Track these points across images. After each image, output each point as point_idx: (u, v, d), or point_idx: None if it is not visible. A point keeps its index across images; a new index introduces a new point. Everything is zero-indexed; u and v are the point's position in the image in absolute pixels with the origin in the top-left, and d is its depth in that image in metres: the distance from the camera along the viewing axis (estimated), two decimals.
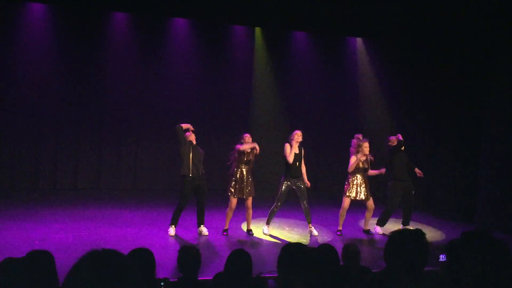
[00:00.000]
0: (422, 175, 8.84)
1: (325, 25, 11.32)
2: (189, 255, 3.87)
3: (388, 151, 8.85)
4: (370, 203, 8.49)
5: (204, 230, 8.05)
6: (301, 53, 12.40)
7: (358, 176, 8.39)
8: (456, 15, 9.69)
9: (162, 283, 3.74)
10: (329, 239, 8.06)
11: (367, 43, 12.49)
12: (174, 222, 7.90)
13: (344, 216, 8.50)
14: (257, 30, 12.13)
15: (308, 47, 12.45)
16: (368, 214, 8.60)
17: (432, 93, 11.35)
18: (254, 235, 8.13)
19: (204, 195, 8.04)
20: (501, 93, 9.45)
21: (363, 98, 12.69)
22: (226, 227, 8.13)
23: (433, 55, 11.20)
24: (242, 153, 7.95)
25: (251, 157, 8.00)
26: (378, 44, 12.36)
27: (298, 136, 8.07)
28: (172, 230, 7.83)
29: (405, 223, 8.78)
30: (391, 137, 8.97)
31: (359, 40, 12.56)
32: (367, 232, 8.65)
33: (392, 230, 2.93)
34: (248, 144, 7.94)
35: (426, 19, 10.23)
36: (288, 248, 2.73)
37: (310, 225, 8.34)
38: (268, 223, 8.30)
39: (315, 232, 8.28)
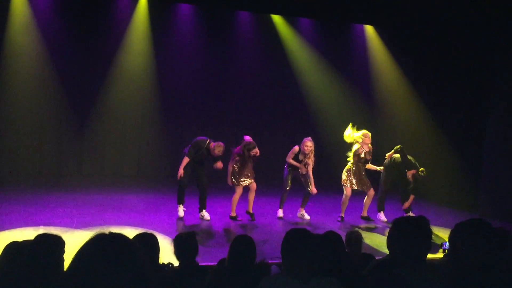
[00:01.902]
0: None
1: (331, 12, 11.24)
2: (183, 242, 3.86)
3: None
4: (371, 191, 8.58)
5: (205, 215, 8.14)
6: (308, 40, 12.28)
7: (357, 165, 8.51)
8: (460, 8, 9.64)
9: (166, 268, 3.77)
10: (332, 226, 8.08)
11: (377, 30, 12.38)
12: (180, 201, 8.05)
13: (347, 204, 8.58)
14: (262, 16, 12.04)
15: (315, 34, 12.34)
16: (368, 201, 8.67)
17: (437, 81, 11.29)
18: (257, 220, 8.19)
19: (204, 178, 8.09)
20: (506, 83, 9.39)
21: (371, 87, 12.64)
22: (233, 214, 8.25)
23: (439, 45, 11.12)
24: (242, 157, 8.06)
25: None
26: (384, 32, 12.26)
27: (306, 146, 8.27)
28: (180, 210, 8.02)
29: (406, 210, 8.80)
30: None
31: (368, 28, 12.44)
32: (367, 218, 8.70)
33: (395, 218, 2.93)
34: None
35: (433, 11, 10.15)
36: (292, 233, 2.73)
37: (303, 209, 8.62)
38: (281, 207, 8.60)
39: (307, 216, 8.55)
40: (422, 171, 8.57)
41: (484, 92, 9.90)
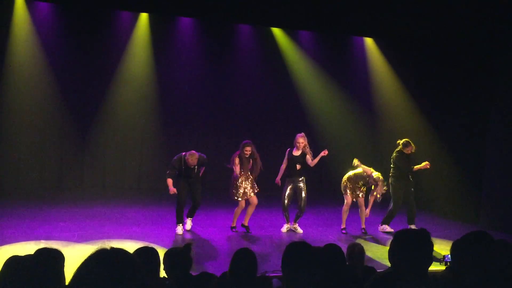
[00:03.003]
0: (428, 166, 8.75)
1: (331, 24, 11.30)
2: (173, 257, 3.83)
3: (399, 153, 8.80)
4: (361, 201, 8.57)
5: (188, 222, 8.23)
6: (308, 52, 12.34)
7: (357, 182, 8.56)
8: (460, 15, 9.67)
9: (166, 282, 3.75)
10: (333, 239, 8.05)
11: (377, 43, 12.45)
12: (179, 220, 8.02)
13: (347, 213, 8.57)
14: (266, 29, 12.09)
15: (315, 47, 12.40)
16: (361, 212, 8.65)
17: (437, 92, 11.32)
18: (258, 233, 8.17)
19: (198, 195, 8.14)
20: (506, 92, 9.41)
21: (371, 99, 12.68)
22: (234, 225, 8.29)
23: (438, 57, 11.16)
24: (244, 161, 8.13)
25: (251, 162, 8.23)
26: (383, 43, 12.33)
27: (298, 143, 8.35)
28: (179, 229, 7.98)
29: (410, 222, 8.78)
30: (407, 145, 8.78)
31: (367, 40, 12.51)
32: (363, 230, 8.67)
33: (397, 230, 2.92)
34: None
35: (431, 19, 10.20)
36: (293, 247, 2.73)
37: (296, 223, 8.55)
38: (287, 222, 8.54)
39: (299, 230, 8.48)
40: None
41: (485, 102, 9.90)
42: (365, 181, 8.52)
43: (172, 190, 7.96)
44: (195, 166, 7.94)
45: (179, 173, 8.01)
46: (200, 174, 8.26)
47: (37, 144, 10.91)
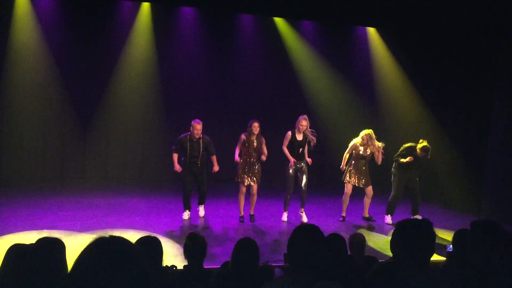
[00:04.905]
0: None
1: (333, 14, 11.25)
2: (196, 242, 3.89)
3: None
4: (369, 189, 8.55)
5: (201, 210, 8.35)
6: (310, 42, 12.29)
7: (358, 162, 8.48)
8: (462, 10, 9.62)
9: (169, 271, 3.77)
10: (334, 228, 8.06)
11: (380, 32, 12.38)
12: (186, 207, 8.18)
13: (347, 202, 8.58)
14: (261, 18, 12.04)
15: (317, 37, 12.35)
16: (367, 200, 8.66)
17: (440, 82, 11.28)
18: (260, 223, 8.18)
19: (204, 185, 8.26)
20: (509, 85, 9.37)
21: (374, 89, 12.64)
22: (241, 214, 8.33)
23: (441, 47, 11.11)
24: (246, 143, 8.16)
25: (256, 146, 8.16)
26: (386, 34, 12.27)
27: (301, 125, 8.24)
28: (185, 215, 8.18)
29: (414, 212, 8.75)
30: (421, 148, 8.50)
31: (370, 30, 12.45)
32: (368, 219, 8.68)
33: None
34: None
35: (434, 9, 10.14)
36: (302, 227, 2.70)
37: (302, 209, 8.52)
38: (285, 210, 8.51)
39: (305, 218, 8.46)
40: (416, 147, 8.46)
41: (488, 93, 9.87)
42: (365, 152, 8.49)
43: (177, 167, 8.09)
44: (199, 140, 7.98)
45: (184, 157, 8.08)
46: (214, 169, 8.21)
47: (40, 134, 10.92)
